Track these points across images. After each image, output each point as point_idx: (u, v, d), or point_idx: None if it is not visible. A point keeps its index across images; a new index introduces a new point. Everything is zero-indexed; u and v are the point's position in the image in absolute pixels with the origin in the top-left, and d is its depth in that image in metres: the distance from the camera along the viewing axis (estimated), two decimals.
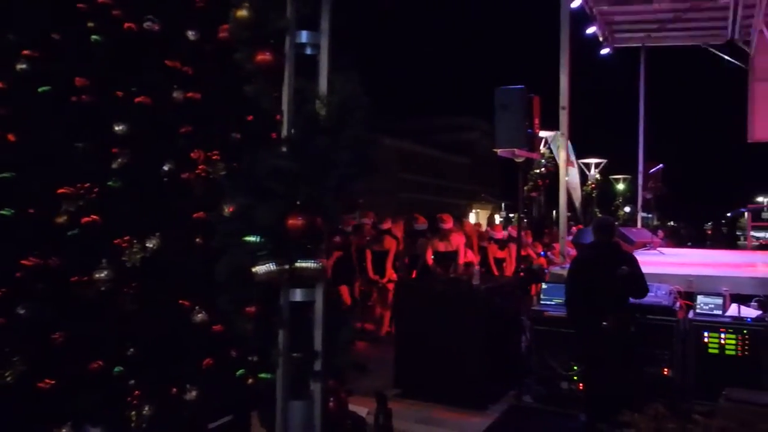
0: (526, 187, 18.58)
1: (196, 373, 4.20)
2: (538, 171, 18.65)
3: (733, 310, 6.47)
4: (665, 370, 6.48)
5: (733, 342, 6.25)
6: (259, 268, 2.83)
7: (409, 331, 7.26)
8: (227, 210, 3.07)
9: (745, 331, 6.22)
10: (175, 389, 4.16)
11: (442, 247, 9.97)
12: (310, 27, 3.17)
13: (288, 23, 3.00)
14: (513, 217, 16.29)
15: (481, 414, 6.64)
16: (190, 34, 4.41)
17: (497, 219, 39.14)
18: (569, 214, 20.11)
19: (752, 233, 17.18)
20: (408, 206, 27.31)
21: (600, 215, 21.31)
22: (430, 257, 9.92)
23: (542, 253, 12.49)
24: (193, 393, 4.15)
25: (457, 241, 10.08)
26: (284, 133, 2.99)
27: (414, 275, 10.28)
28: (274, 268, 2.84)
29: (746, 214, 15.62)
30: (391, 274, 10.24)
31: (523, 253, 10.67)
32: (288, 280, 2.93)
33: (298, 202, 2.87)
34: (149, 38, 4.22)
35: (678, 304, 6.73)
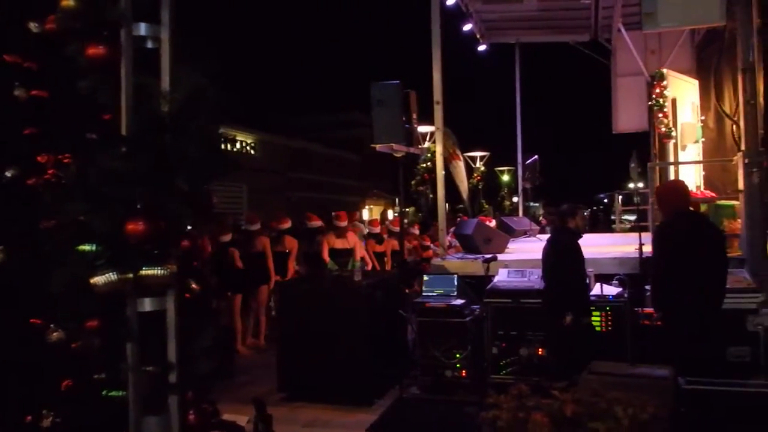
0: (413, 181, 18.77)
1: (53, 397, 3.91)
2: (424, 165, 18.83)
3: (597, 289, 6.78)
4: (540, 350, 6.73)
5: (599, 319, 6.58)
6: (99, 279, 2.62)
7: (292, 332, 7.14)
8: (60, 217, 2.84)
9: (608, 308, 6.59)
10: (29, 417, 3.85)
11: (338, 244, 9.95)
12: (151, 19, 2.98)
13: (122, 14, 2.79)
14: (408, 211, 16.55)
15: (367, 410, 6.62)
16: (33, 26, 4.10)
17: (390, 214, 39.39)
18: (461, 206, 20.51)
19: (624, 217, 18.05)
20: (299, 205, 27.06)
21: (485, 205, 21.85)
22: (326, 254, 9.83)
23: (429, 245, 12.60)
24: (49, 419, 3.87)
25: (354, 238, 10.09)
26: (123, 131, 2.79)
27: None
28: (115, 277, 2.64)
29: (618, 199, 16.39)
30: (293, 274, 10.16)
31: (408, 245, 10.76)
32: (133, 290, 2.73)
33: (138, 206, 2.68)
34: None
35: None
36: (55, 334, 3.77)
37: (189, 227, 3.06)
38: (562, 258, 6.31)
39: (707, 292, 5.20)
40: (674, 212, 5.56)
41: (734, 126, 8.88)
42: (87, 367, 3.67)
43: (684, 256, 5.25)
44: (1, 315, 3.74)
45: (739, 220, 7.71)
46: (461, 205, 21.16)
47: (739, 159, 7.07)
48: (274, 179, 31.46)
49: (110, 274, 2.62)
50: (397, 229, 10.56)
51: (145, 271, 2.70)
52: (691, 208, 6.30)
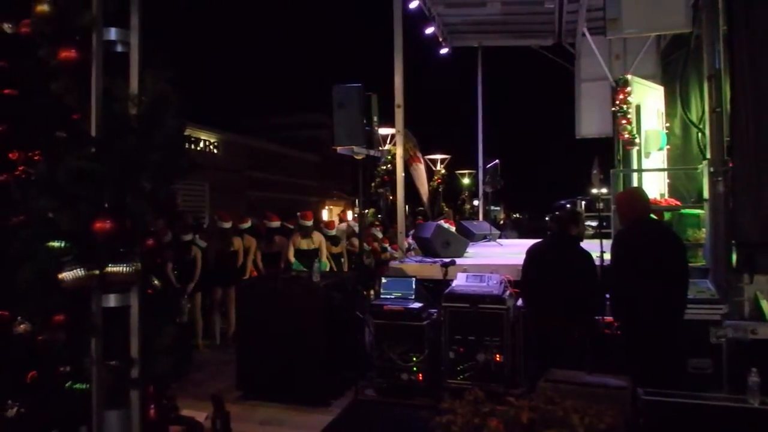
0: (373, 183, 18.85)
1: (18, 388, 3.96)
2: (384, 167, 18.93)
3: None
4: (498, 356, 6.71)
5: None
6: (66, 274, 2.71)
7: (251, 331, 7.17)
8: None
9: None
10: None
11: (304, 244, 9.99)
12: (121, 24, 3.07)
13: (93, 19, 2.88)
14: (368, 213, 16.60)
15: (323, 410, 6.67)
16: (6, 27, 4.15)
17: (350, 215, 39.43)
18: (421, 208, 20.60)
19: (586, 223, 18.00)
20: (259, 205, 27.00)
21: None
22: (291, 254, 9.92)
23: (387, 247, 12.67)
24: (14, 409, 3.92)
25: (320, 238, 10.16)
26: (92, 133, 2.88)
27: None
28: (83, 273, 2.72)
29: (582, 204, 16.32)
30: (252, 272, 10.21)
31: (367, 247, 10.84)
32: (99, 286, 2.82)
33: (106, 205, 2.77)
34: None
35: (508, 292, 6.98)
36: (21, 326, 3.84)
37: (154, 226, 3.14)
38: (584, 266, 5.86)
39: (667, 302, 5.15)
40: (632, 220, 5.52)
41: (699, 134, 8.71)
42: (52, 359, 3.74)
43: (641, 264, 5.21)
44: None
45: (703, 230, 7.61)
46: (420, 208, 21.28)
47: (704, 167, 6.94)
48: (235, 178, 31.33)
49: (78, 270, 2.71)
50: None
51: (111, 268, 2.80)
52: (654, 216, 6.21)
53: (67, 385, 3.60)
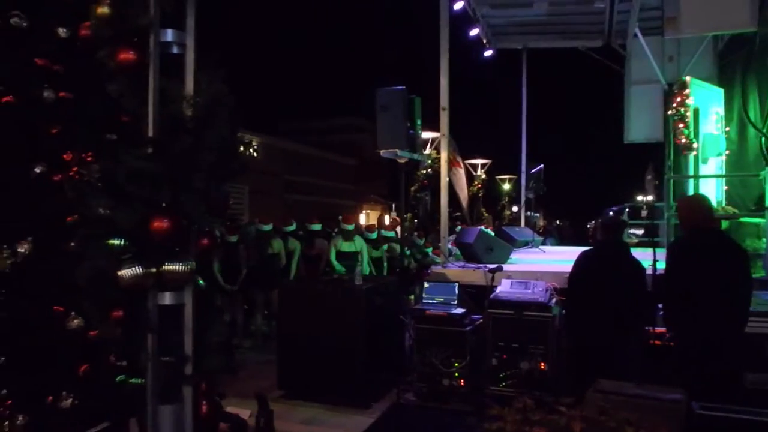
0: (412, 187, 18.79)
1: (71, 380, 4.07)
2: (424, 171, 18.85)
3: None
4: (542, 364, 6.61)
5: None
6: (125, 272, 2.77)
7: (293, 332, 7.23)
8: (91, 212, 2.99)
9: None
10: (50, 397, 4.03)
11: (345, 247, 10.04)
12: (177, 26, 3.12)
13: (151, 21, 2.94)
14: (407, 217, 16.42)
15: (363, 412, 6.70)
16: (61, 32, 4.26)
17: (386, 219, 39.43)
18: (458, 214, 20.45)
19: (632, 231, 17.54)
20: (296, 208, 27.21)
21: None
22: (333, 257, 9.99)
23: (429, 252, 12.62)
24: (69, 401, 4.04)
25: (362, 242, 10.21)
26: (149, 133, 2.93)
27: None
28: (140, 271, 2.78)
29: (626, 212, 15.96)
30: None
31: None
32: (155, 284, 2.87)
33: (163, 204, 2.82)
34: (16, 35, 4.06)
35: (554, 300, 6.85)
36: (75, 321, 3.95)
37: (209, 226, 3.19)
38: (637, 275, 5.76)
39: (728, 314, 4.91)
40: (693, 228, 5.28)
41: (763, 138, 8.16)
42: (103, 353, 3.86)
43: (702, 275, 4.98)
44: (27, 302, 3.91)
45: (763, 239, 7.33)
46: (458, 213, 21.15)
47: (767, 174, 6.67)
48: (274, 181, 31.62)
49: (136, 267, 2.77)
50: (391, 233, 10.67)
51: (167, 267, 2.85)
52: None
53: (119, 378, 3.70)
